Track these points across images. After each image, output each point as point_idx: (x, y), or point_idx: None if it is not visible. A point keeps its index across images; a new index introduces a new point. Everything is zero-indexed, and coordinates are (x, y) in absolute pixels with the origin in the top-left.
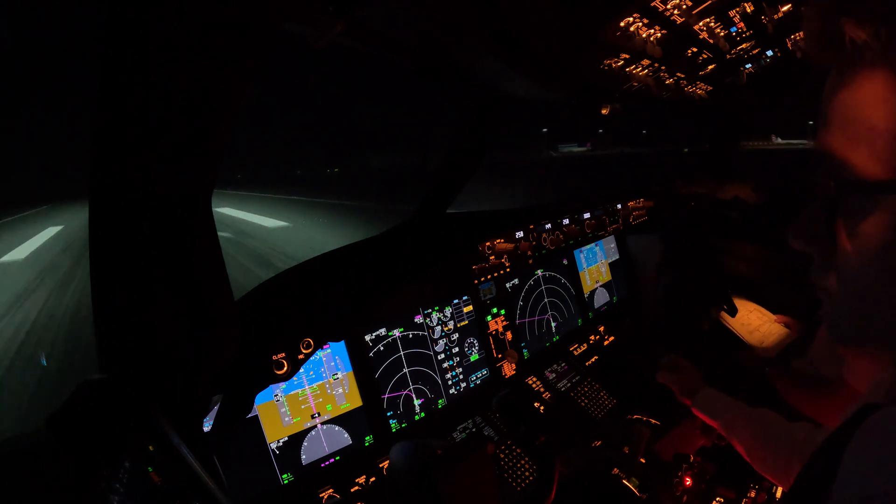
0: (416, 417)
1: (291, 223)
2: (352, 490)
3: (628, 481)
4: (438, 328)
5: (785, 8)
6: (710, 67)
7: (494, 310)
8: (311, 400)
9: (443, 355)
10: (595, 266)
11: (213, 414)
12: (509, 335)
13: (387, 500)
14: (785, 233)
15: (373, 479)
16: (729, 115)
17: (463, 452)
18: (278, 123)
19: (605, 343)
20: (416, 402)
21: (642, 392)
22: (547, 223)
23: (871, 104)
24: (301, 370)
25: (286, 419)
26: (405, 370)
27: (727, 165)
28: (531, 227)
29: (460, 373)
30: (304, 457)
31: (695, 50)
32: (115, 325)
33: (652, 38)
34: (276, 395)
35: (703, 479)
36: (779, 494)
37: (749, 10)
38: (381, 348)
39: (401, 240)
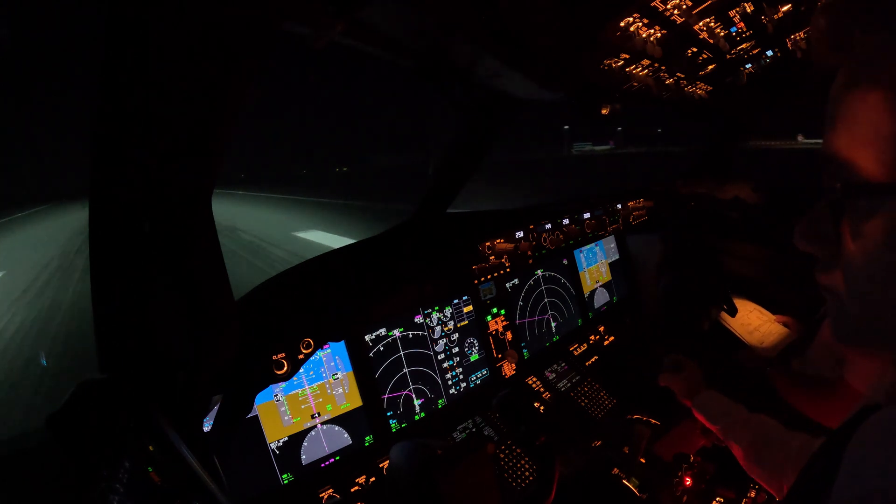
0: (416, 417)
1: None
2: (352, 490)
3: (628, 481)
4: (438, 328)
5: (785, 8)
6: (710, 67)
7: (494, 310)
8: (311, 400)
9: (443, 355)
10: (595, 266)
11: (213, 414)
12: (509, 335)
13: (387, 500)
14: (791, 233)
15: (373, 479)
16: (729, 115)
17: (463, 452)
18: (281, 123)
19: (605, 343)
20: (416, 402)
21: (642, 392)
22: (547, 223)
23: (878, 107)
24: (301, 370)
25: (286, 419)
26: (405, 370)
27: (727, 165)
28: (531, 227)
29: (460, 373)
30: (304, 457)
31: (695, 50)
32: (115, 325)
33: (652, 38)
34: (276, 395)
35: (703, 479)
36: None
37: (749, 10)
38: (381, 348)
39: (401, 240)
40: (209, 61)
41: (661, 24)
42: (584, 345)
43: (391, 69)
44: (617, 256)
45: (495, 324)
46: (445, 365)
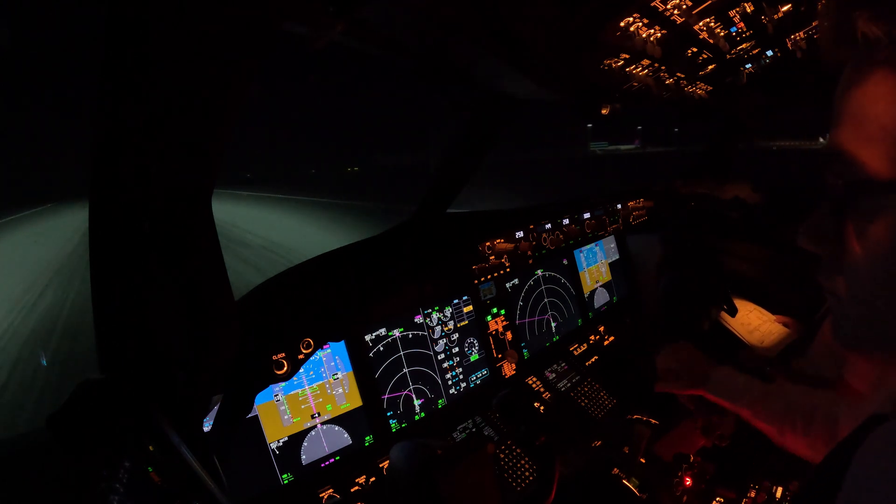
0: (416, 417)
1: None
2: (352, 490)
3: (628, 481)
4: (438, 328)
5: (785, 8)
6: (710, 67)
7: (494, 310)
8: (311, 400)
9: (443, 355)
10: (595, 266)
11: (213, 414)
12: (509, 335)
13: (387, 500)
14: (791, 233)
15: (373, 479)
16: (729, 115)
17: (463, 452)
18: (290, 122)
19: (605, 343)
20: (416, 402)
21: (642, 392)
22: (547, 223)
23: (883, 102)
24: (301, 370)
25: (286, 419)
26: (405, 370)
27: (727, 165)
28: (531, 227)
29: (460, 373)
30: (304, 457)
31: (695, 50)
32: (115, 325)
33: (652, 38)
34: (276, 395)
35: (703, 479)
36: (779, 495)
37: (749, 10)
38: (381, 348)
39: (401, 240)
40: (209, 61)
41: (661, 24)
42: (584, 345)
43: (402, 68)
44: (617, 256)
45: (495, 324)
46: (445, 365)
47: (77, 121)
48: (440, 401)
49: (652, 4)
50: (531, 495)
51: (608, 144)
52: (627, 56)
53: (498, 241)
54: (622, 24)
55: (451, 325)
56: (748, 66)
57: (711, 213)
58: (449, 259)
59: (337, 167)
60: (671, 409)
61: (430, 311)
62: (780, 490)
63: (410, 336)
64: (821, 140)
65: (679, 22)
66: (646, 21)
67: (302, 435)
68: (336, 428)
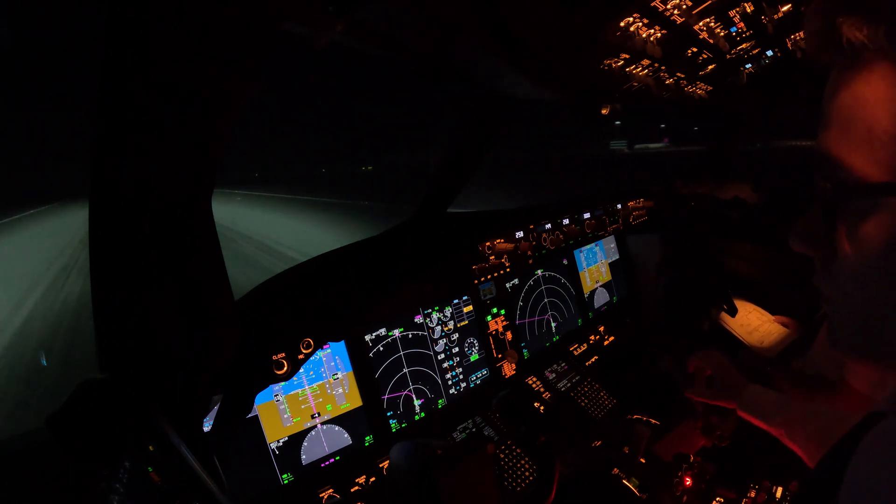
0: (416, 417)
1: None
2: (352, 490)
3: (628, 481)
4: (438, 328)
5: (785, 8)
6: (710, 67)
7: (494, 310)
8: (311, 400)
9: (443, 355)
10: (595, 266)
11: (213, 414)
12: (509, 335)
13: (387, 500)
14: (788, 234)
15: (373, 479)
16: (729, 115)
17: (463, 452)
18: (297, 121)
19: (605, 343)
20: (416, 402)
21: (642, 392)
22: (547, 223)
23: (869, 105)
24: (301, 370)
25: (286, 419)
26: (405, 370)
27: (727, 165)
28: (531, 227)
29: (460, 373)
30: (304, 457)
31: (695, 50)
32: (115, 325)
33: (652, 38)
34: (276, 395)
35: (703, 479)
36: (779, 495)
37: (749, 10)
38: (381, 348)
39: (401, 240)
40: (209, 61)
41: (661, 24)
42: (584, 345)
43: (408, 67)
44: (617, 256)
45: (495, 324)
46: (445, 365)
47: (77, 121)
48: (440, 401)
49: (652, 4)
50: (531, 495)
51: (628, 143)
52: (627, 56)
53: (498, 241)
54: (622, 24)
55: (451, 325)
56: (748, 66)
57: (711, 213)
58: (449, 259)
59: (350, 166)
60: (671, 409)
61: (430, 311)
62: (780, 490)
63: (410, 336)
64: None
65: (679, 22)
66: (646, 21)
67: (302, 435)
68: (336, 428)
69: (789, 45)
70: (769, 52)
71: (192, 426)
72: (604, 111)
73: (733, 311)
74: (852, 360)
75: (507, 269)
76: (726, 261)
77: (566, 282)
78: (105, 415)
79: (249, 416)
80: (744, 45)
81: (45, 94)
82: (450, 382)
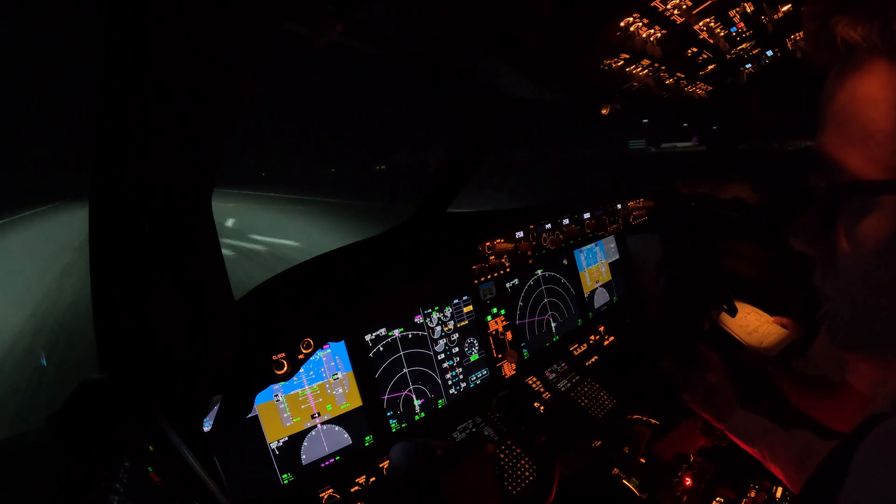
0: (416, 417)
1: None
2: (352, 490)
3: (628, 481)
4: (438, 328)
5: (785, 8)
6: (710, 67)
7: (494, 310)
8: (311, 400)
9: (443, 355)
10: (595, 266)
11: (213, 414)
12: (509, 335)
13: (387, 500)
14: (787, 234)
15: (373, 479)
16: (729, 115)
17: (463, 452)
18: (305, 121)
19: (605, 343)
20: (416, 403)
21: (642, 392)
22: (547, 223)
23: (864, 103)
24: (301, 370)
25: (286, 419)
26: (405, 370)
27: (727, 165)
28: (531, 227)
29: (460, 373)
30: (304, 457)
31: (695, 50)
32: (115, 325)
33: (652, 38)
34: (276, 395)
35: (703, 479)
36: (779, 495)
37: (749, 10)
38: (381, 348)
39: (401, 240)
40: (209, 61)
41: (661, 24)
42: (584, 345)
43: (408, 67)
44: (617, 256)
45: (495, 324)
46: (445, 365)
47: (77, 121)
48: (440, 401)
49: (652, 4)
50: (531, 495)
51: (651, 142)
52: (627, 56)
53: (498, 241)
54: (622, 24)
55: (451, 325)
56: (748, 66)
57: (711, 213)
58: (449, 259)
59: (369, 165)
60: (671, 409)
61: (430, 311)
62: (780, 490)
63: (410, 336)
64: None
65: (679, 22)
66: (646, 21)
67: (302, 435)
68: (336, 428)
69: (789, 45)
70: (769, 52)
71: (192, 426)
72: (604, 111)
73: (733, 312)
74: (852, 357)
75: (507, 269)
76: (726, 261)
77: (566, 282)
78: (105, 415)
79: (249, 416)
80: (744, 45)
81: (45, 94)
82: (450, 382)
